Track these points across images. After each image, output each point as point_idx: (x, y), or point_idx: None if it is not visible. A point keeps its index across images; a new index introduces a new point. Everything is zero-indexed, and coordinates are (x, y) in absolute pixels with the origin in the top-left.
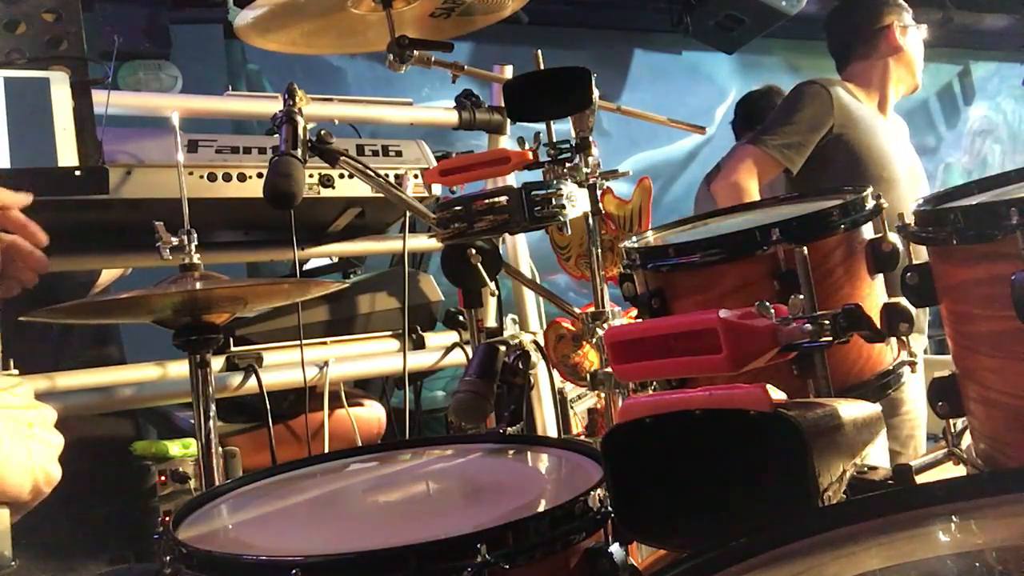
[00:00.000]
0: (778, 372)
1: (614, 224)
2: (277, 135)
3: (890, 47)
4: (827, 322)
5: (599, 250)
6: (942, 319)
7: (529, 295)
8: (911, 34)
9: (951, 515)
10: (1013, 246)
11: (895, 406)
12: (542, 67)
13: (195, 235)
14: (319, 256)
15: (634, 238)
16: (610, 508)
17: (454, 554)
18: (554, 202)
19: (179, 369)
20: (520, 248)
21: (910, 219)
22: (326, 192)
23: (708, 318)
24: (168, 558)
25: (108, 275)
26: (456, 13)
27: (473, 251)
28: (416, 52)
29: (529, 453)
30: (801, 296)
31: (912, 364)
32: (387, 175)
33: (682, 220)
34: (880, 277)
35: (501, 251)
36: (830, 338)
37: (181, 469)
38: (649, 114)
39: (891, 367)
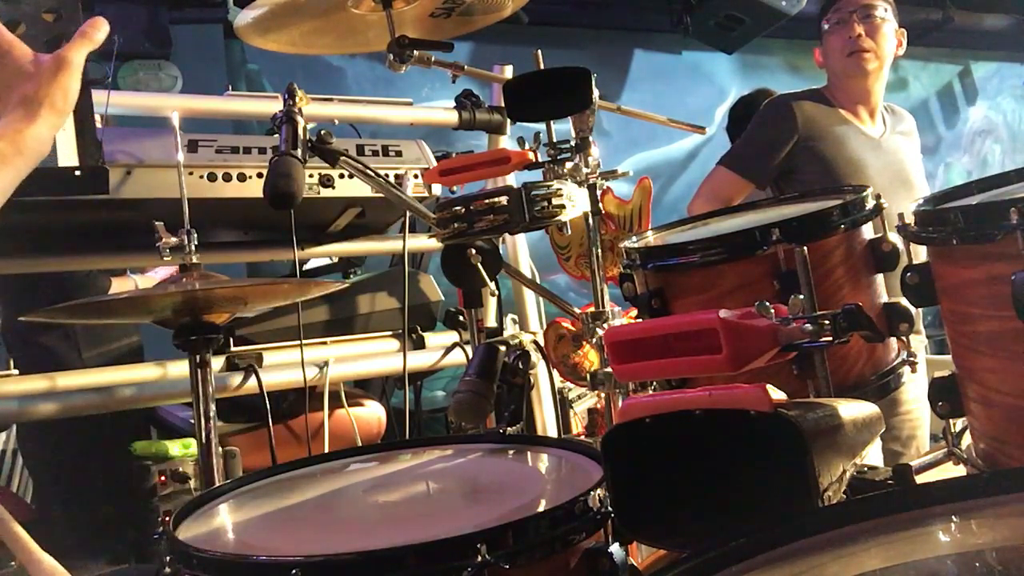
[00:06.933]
0: (778, 372)
1: (614, 224)
2: (277, 135)
3: (826, 68)
4: (827, 322)
5: (599, 250)
6: (942, 319)
7: (529, 295)
8: (829, 39)
9: (951, 515)
10: (1013, 246)
11: (895, 406)
12: (542, 67)
13: (195, 235)
14: (319, 256)
15: (634, 238)
16: (610, 508)
17: (454, 554)
18: (554, 202)
19: (179, 369)
20: (520, 248)
21: (910, 219)
22: (326, 192)
23: (708, 318)
24: (168, 558)
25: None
26: (456, 13)
27: (473, 251)
28: (416, 52)
29: (529, 453)
30: (801, 296)
31: (912, 364)
32: (387, 175)
33: (682, 220)
34: (880, 277)
35: (501, 251)
36: (830, 338)
37: (181, 469)
38: (649, 114)
39: (891, 367)
